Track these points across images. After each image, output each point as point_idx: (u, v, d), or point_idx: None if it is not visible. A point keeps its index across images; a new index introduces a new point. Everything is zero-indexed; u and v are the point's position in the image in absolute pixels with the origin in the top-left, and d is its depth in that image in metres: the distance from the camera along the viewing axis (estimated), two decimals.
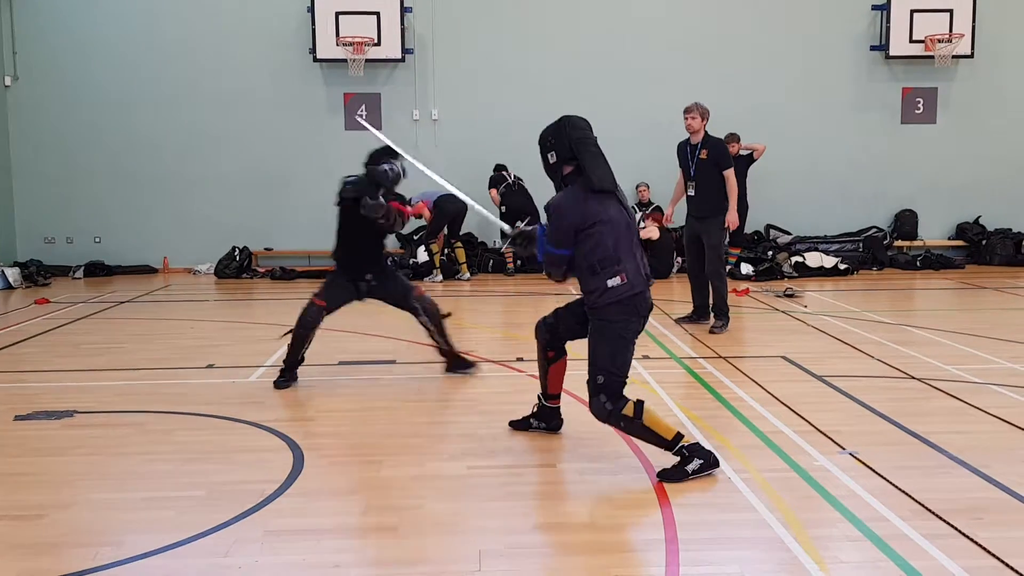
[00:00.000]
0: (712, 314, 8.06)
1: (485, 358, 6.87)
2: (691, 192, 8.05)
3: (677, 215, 8.90)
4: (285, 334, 6.22)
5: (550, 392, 4.89)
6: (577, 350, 4.66)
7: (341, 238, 6.20)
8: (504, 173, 12.42)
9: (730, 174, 7.95)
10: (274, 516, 3.79)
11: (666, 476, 4.13)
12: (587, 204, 4.28)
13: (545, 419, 4.93)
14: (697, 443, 4.28)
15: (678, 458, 4.15)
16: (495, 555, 3.38)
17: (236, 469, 4.40)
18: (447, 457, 4.54)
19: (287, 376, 6.09)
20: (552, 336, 4.73)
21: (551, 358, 4.79)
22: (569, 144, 4.34)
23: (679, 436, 4.18)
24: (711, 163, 7.90)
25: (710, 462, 4.16)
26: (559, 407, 4.94)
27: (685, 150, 8.10)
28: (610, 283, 4.23)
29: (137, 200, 13.23)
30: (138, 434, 5.03)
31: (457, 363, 6.39)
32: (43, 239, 13.23)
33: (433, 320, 6.29)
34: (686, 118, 7.94)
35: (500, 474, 4.29)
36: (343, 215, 6.14)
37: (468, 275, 12.26)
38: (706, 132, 7.97)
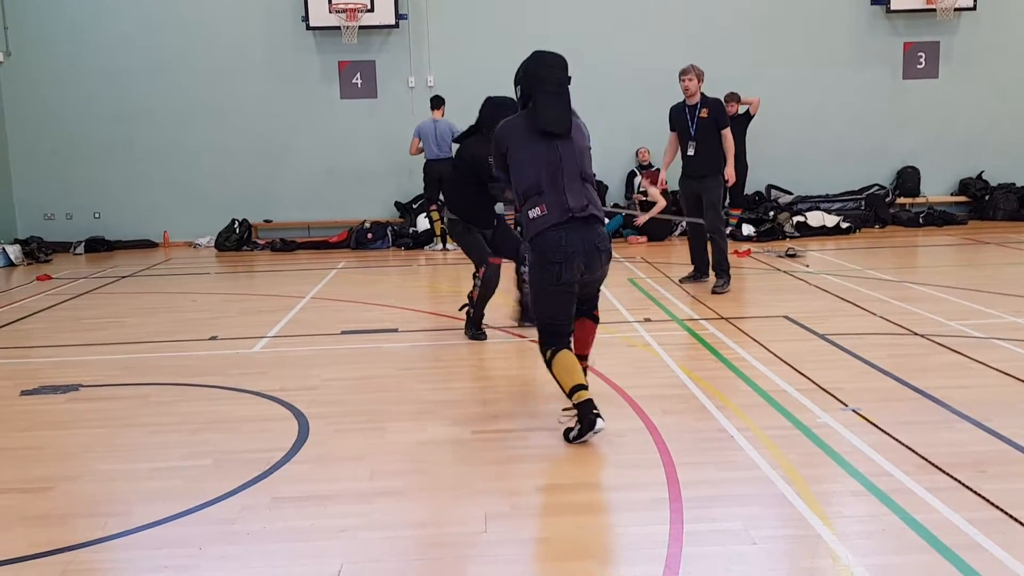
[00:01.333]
0: (714, 272, 8.11)
1: (488, 324, 6.87)
2: (691, 152, 8.07)
3: (670, 177, 8.86)
4: (463, 307, 6.55)
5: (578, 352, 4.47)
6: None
7: (467, 194, 6.34)
8: None
9: (728, 132, 8.07)
10: (281, 483, 3.81)
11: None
12: (519, 134, 4.31)
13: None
14: (585, 402, 4.09)
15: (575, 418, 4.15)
16: (500, 516, 3.41)
17: (242, 438, 4.43)
18: (451, 422, 4.57)
19: (478, 329, 6.50)
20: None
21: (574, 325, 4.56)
22: (529, 80, 4.33)
23: (575, 389, 4.13)
24: (711, 122, 7.98)
25: (584, 426, 4.07)
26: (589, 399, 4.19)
27: (683, 112, 8.13)
28: (530, 214, 4.24)
29: (135, 175, 13.19)
30: (143, 406, 5.05)
31: (526, 316, 6.67)
32: (43, 216, 13.22)
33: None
34: (683, 80, 7.99)
35: (504, 437, 4.31)
36: (466, 173, 6.30)
37: (440, 245, 11.92)
38: (702, 92, 8.06)
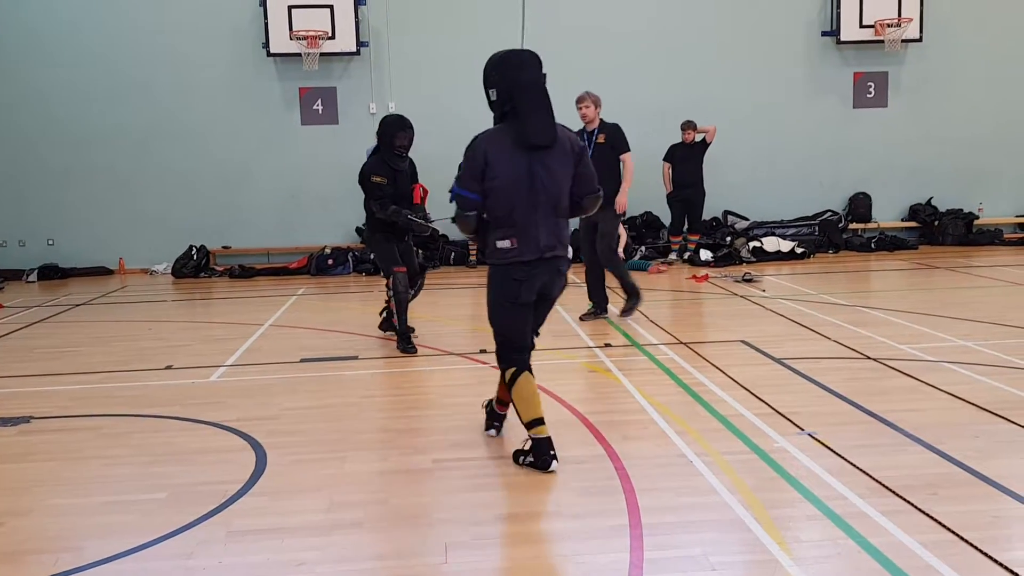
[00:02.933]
0: (624, 296, 8.04)
1: (448, 351, 6.87)
2: None
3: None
4: (382, 313, 7.13)
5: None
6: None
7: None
8: None
9: (628, 158, 7.88)
10: (237, 516, 3.76)
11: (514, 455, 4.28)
12: (501, 148, 4.05)
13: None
14: (543, 440, 4.13)
15: (529, 442, 4.18)
16: (461, 547, 3.39)
17: (198, 470, 4.36)
18: (411, 451, 4.54)
19: (408, 343, 6.88)
20: None
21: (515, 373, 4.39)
22: (508, 85, 4.08)
23: (533, 423, 4.15)
24: (608, 147, 7.75)
25: (538, 464, 4.13)
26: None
27: (582, 137, 7.75)
28: (499, 243, 4.12)
29: (90, 201, 13.01)
30: (96, 438, 4.96)
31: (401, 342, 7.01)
32: None
33: (416, 292, 7.18)
34: (579, 107, 7.77)
35: (464, 466, 4.30)
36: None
37: None
38: (601, 118, 7.86)
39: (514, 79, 4.08)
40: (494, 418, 4.72)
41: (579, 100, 7.81)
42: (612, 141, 7.80)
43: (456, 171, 4.23)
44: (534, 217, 4.08)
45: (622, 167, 7.86)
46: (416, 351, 6.82)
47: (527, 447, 4.22)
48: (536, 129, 4.05)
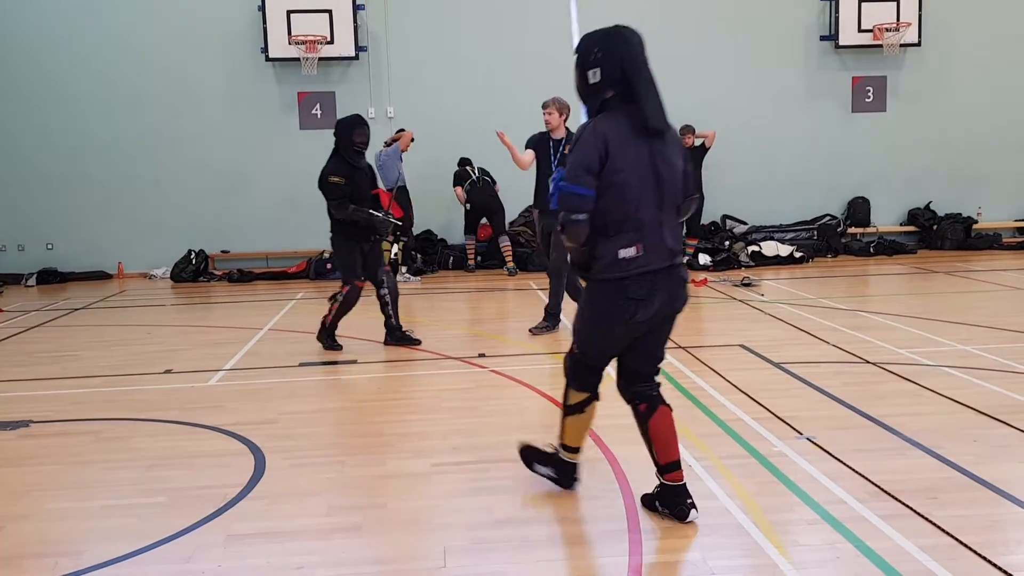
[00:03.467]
0: (545, 313, 7.73)
1: (447, 355, 6.87)
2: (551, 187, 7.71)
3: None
4: (331, 297, 7.17)
5: (660, 461, 3.66)
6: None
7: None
8: (468, 168, 12.36)
9: None
10: (236, 520, 3.76)
11: (524, 453, 4.03)
12: (624, 140, 3.40)
13: (668, 502, 3.65)
14: (571, 465, 3.91)
15: (552, 466, 3.93)
16: (460, 551, 3.39)
17: (197, 474, 4.36)
18: (410, 455, 4.54)
19: (333, 340, 7.16)
20: (626, 380, 3.71)
21: (644, 413, 3.66)
22: (621, 64, 3.46)
23: (570, 449, 3.86)
24: None
25: (560, 481, 3.93)
26: (682, 483, 3.62)
27: (547, 144, 7.57)
28: (621, 253, 3.40)
29: (89, 205, 13.01)
30: (95, 442, 4.95)
31: (402, 339, 7.29)
32: None
33: (392, 294, 7.25)
34: (544, 114, 7.48)
35: (463, 470, 4.30)
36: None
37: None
38: (568, 128, 7.47)
39: (626, 55, 3.48)
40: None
41: (544, 106, 7.54)
42: None
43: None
44: (660, 216, 3.45)
45: None
46: (341, 348, 7.13)
47: (549, 454, 3.97)
48: (654, 111, 3.45)
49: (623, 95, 3.47)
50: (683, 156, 3.60)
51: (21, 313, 9.98)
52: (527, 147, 7.69)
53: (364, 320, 7.99)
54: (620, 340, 3.57)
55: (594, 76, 3.50)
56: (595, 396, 3.76)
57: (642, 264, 3.40)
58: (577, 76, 3.55)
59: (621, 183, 3.38)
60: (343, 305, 7.05)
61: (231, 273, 12.61)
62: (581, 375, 3.72)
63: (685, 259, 13.08)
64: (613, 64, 3.46)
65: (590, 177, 3.38)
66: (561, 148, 7.49)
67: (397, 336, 7.30)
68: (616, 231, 3.40)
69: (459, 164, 12.44)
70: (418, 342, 7.28)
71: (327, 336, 7.16)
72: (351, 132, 6.92)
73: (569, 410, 3.78)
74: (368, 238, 7.03)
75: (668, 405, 3.66)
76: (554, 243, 7.45)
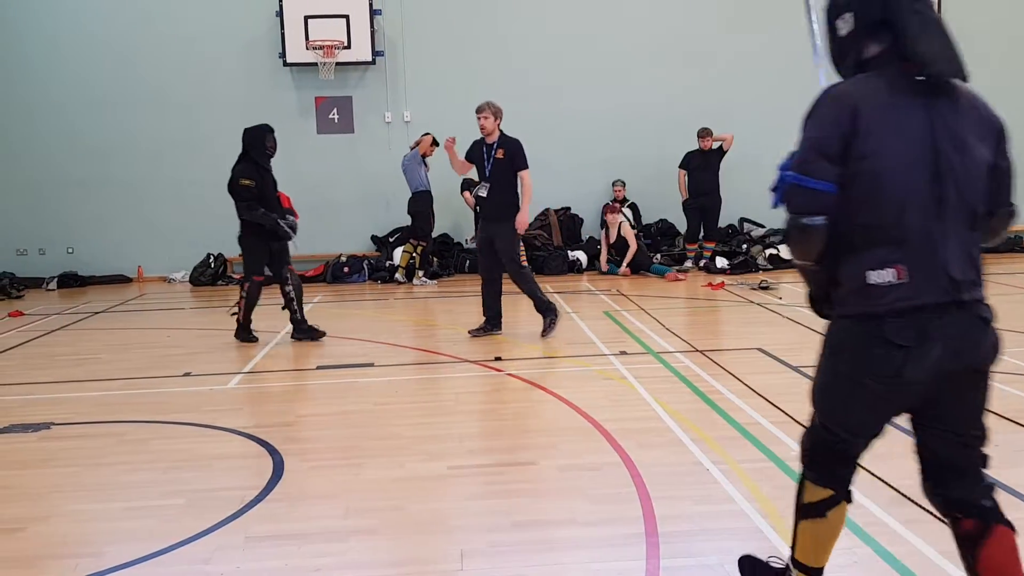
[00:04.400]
0: (541, 314, 7.66)
1: (463, 358, 6.89)
2: (483, 193, 7.53)
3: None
4: (233, 314, 7.81)
5: None
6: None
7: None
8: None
9: (526, 175, 7.51)
10: (255, 522, 3.78)
11: (743, 566, 3.02)
12: (882, 110, 2.35)
13: None
14: None
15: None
16: (477, 554, 3.40)
17: (216, 476, 4.39)
18: (427, 457, 4.55)
19: (248, 333, 7.75)
20: (933, 479, 2.60)
21: (971, 534, 2.49)
22: (882, 2, 2.42)
23: (808, 570, 2.70)
24: (507, 163, 7.43)
25: None
26: None
27: (481, 149, 7.58)
28: (871, 277, 2.36)
29: (109, 209, 13.11)
30: (116, 444, 5.00)
31: (308, 333, 7.78)
32: (15, 251, 13.09)
33: (296, 291, 7.77)
34: (479, 118, 7.45)
35: (480, 473, 4.31)
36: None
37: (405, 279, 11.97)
38: (501, 131, 7.51)
39: None
40: None
41: (478, 110, 7.49)
42: (511, 156, 7.43)
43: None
44: (939, 227, 2.35)
45: (520, 184, 7.52)
46: (256, 340, 7.71)
47: (777, 571, 2.93)
48: (933, 52, 2.36)
49: (892, 51, 2.42)
50: (991, 138, 2.45)
51: (42, 316, 10.08)
52: (466, 157, 7.78)
53: (378, 324, 8.03)
54: (879, 410, 2.50)
55: (844, 25, 2.51)
56: (843, 495, 2.64)
57: (906, 295, 2.32)
58: (827, 36, 2.65)
59: (876, 172, 2.33)
60: (248, 301, 7.66)
61: None
62: (823, 462, 2.63)
63: (702, 262, 12.88)
64: (870, 5, 2.43)
65: (827, 164, 2.37)
66: (494, 152, 7.47)
67: (303, 330, 7.79)
68: (865, 243, 2.37)
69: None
70: (323, 334, 7.79)
71: (243, 331, 7.76)
72: (264, 139, 7.63)
73: (804, 511, 2.65)
74: (277, 238, 7.65)
75: (1010, 524, 2.46)
76: (499, 251, 7.51)
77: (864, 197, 2.36)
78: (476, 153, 7.68)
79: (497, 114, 7.47)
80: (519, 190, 7.56)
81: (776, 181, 2.57)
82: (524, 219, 7.52)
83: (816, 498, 2.63)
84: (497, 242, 7.51)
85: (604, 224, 12.23)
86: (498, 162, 7.48)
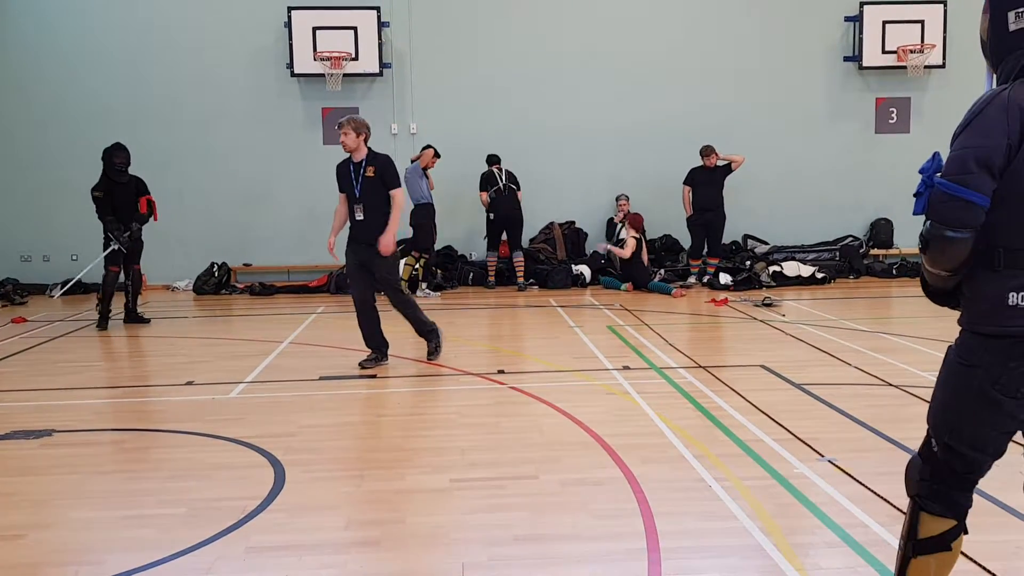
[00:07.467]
0: (424, 339, 7.36)
1: (466, 371, 6.89)
2: (359, 216, 6.99)
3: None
4: (97, 305, 9.51)
5: None
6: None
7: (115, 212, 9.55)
8: (496, 170, 12.08)
9: (398, 194, 7.03)
10: (256, 532, 3.77)
11: None
12: None
13: None
14: None
15: None
16: (478, 567, 3.39)
17: (217, 486, 4.38)
18: (429, 470, 4.55)
19: (105, 322, 9.45)
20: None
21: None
22: None
23: None
24: (378, 182, 6.97)
25: None
26: None
27: (348, 169, 7.07)
28: (1014, 299, 2.31)
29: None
30: (117, 452, 4.99)
31: (137, 319, 9.76)
32: (19, 257, 13.12)
33: (135, 285, 9.74)
34: (340, 135, 7.02)
35: (482, 486, 4.30)
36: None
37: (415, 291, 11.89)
38: (369, 148, 7.08)
39: None
40: None
41: (339, 126, 7.08)
42: (382, 175, 6.99)
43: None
44: None
45: (392, 203, 7.01)
46: (107, 328, 9.25)
47: None
48: None
49: None
50: None
51: (45, 323, 10.09)
52: (339, 189, 7.18)
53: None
54: (1007, 427, 2.41)
55: (1019, 19, 2.30)
56: (963, 525, 2.53)
57: None
58: (987, 27, 2.44)
59: None
60: (104, 287, 9.51)
61: (253, 286, 12.69)
62: (944, 490, 2.50)
63: (706, 279, 12.92)
64: None
65: (986, 176, 2.26)
66: (363, 171, 7.00)
67: (132, 317, 9.71)
68: (1008, 264, 2.30)
69: (488, 162, 12.28)
70: (148, 321, 9.78)
71: (102, 320, 9.43)
72: (112, 156, 9.46)
73: (923, 547, 2.51)
74: (131, 239, 9.56)
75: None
76: (380, 280, 7.00)
77: (1014, 215, 2.28)
78: (343, 175, 7.11)
79: (359, 129, 7.02)
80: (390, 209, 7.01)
81: (920, 186, 2.45)
82: (389, 241, 6.91)
83: (938, 531, 2.51)
84: (377, 271, 7.00)
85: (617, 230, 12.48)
86: (368, 181, 6.97)
